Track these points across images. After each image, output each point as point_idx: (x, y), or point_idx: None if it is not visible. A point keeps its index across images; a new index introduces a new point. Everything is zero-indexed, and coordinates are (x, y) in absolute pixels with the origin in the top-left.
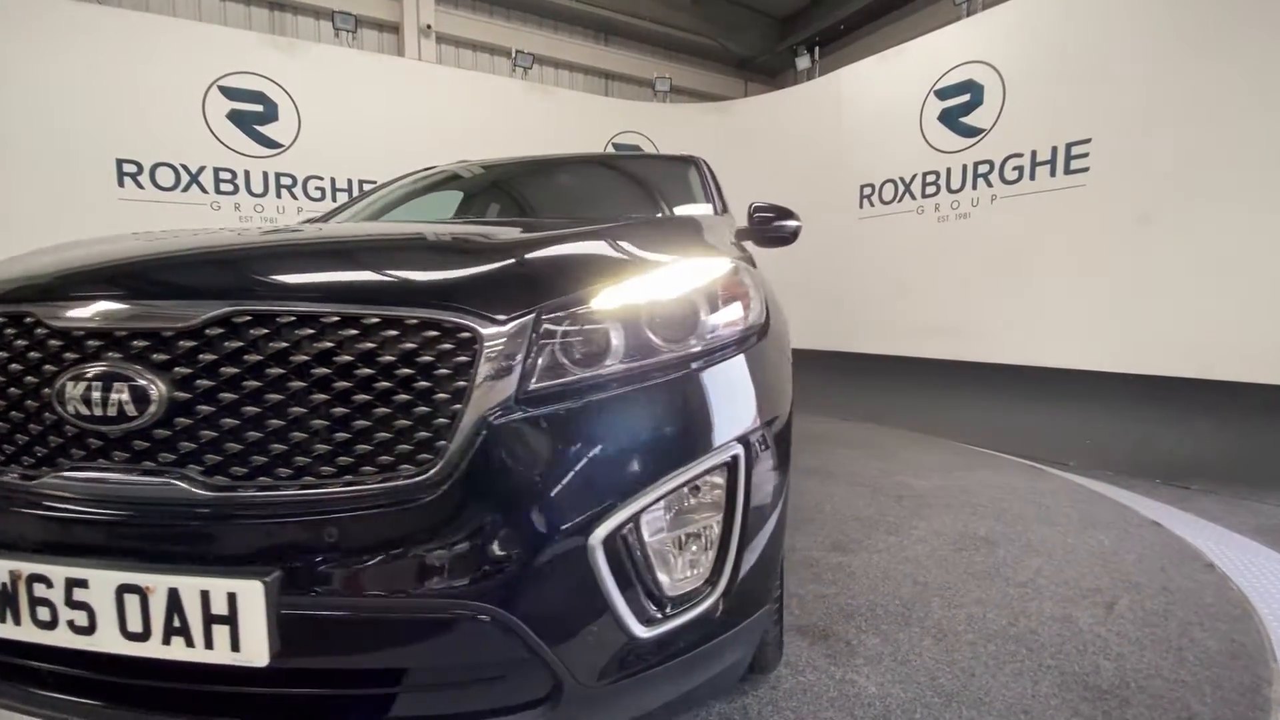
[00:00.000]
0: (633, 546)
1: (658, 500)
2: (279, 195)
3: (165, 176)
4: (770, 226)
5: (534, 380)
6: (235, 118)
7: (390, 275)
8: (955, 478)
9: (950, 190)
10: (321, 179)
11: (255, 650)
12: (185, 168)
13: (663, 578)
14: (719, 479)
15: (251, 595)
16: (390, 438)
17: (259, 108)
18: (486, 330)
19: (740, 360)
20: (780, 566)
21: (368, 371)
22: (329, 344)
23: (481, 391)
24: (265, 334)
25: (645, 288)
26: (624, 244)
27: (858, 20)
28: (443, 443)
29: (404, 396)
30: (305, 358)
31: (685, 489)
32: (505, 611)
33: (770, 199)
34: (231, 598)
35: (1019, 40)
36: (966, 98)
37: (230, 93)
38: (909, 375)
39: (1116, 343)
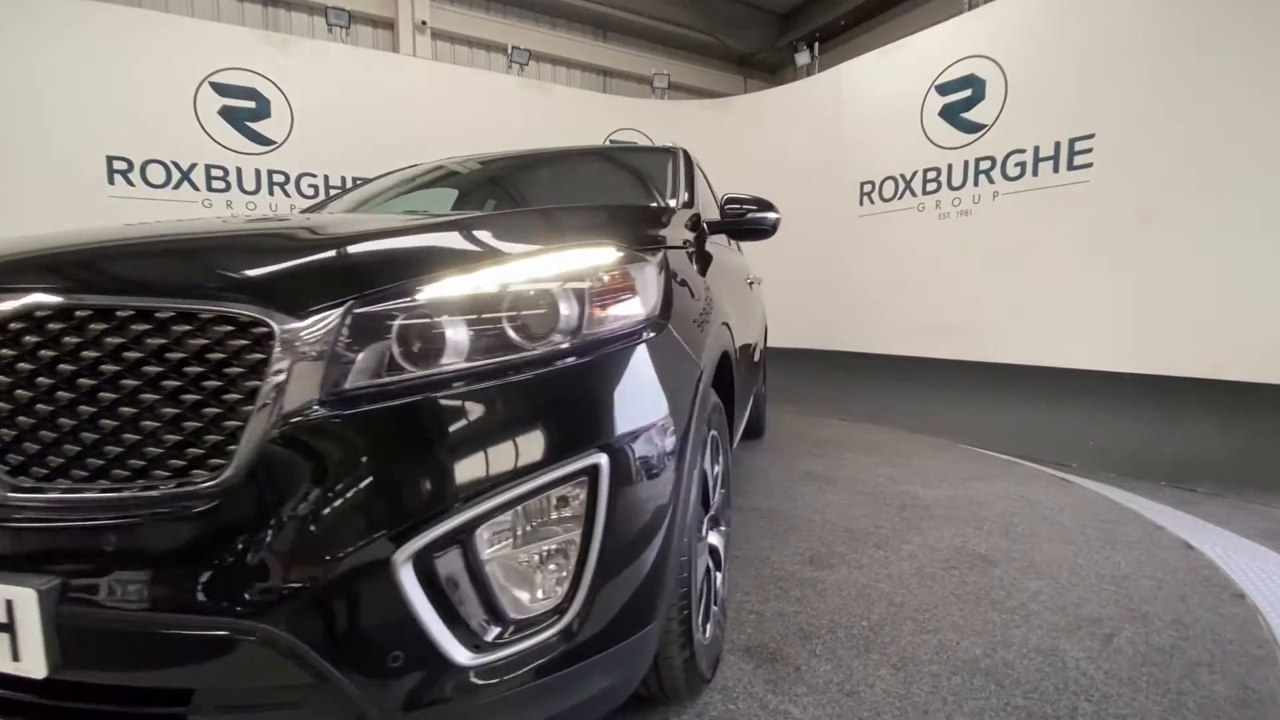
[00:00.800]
0: (457, 564)
1: (489, 515)
2: (271, 192)
3: (156, 174)
4: (744, 219)
5: (344, 380)
6: (227, 114)
7: (192, 269)
8: (968, 488)
9: (951, 187)
10: (315, 176)
11: (33, 661)
12: (176, 165)
13: (501, 599)
14: (575, 492)
15: (27, 603)
16: (182, 440)
17: (251, 104)
18: (284, 325)
19: (617, 360)
20: (688, 586)
21: (161, 369)
22: (124, 339)
23: (276, 392)
24: (64, 329)
25: (494, 278)
26: (486, 233)
27: (858, 16)
28: (233, 446)
29: (196, 395)
30: (100, 354)
31: (529, 503)
32: (287, 633)
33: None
34: (9, 605)
35: (1021, 34)
36: (968, 93)
37: (222, 89)
38: (910, 375)
39: (1120, 342)
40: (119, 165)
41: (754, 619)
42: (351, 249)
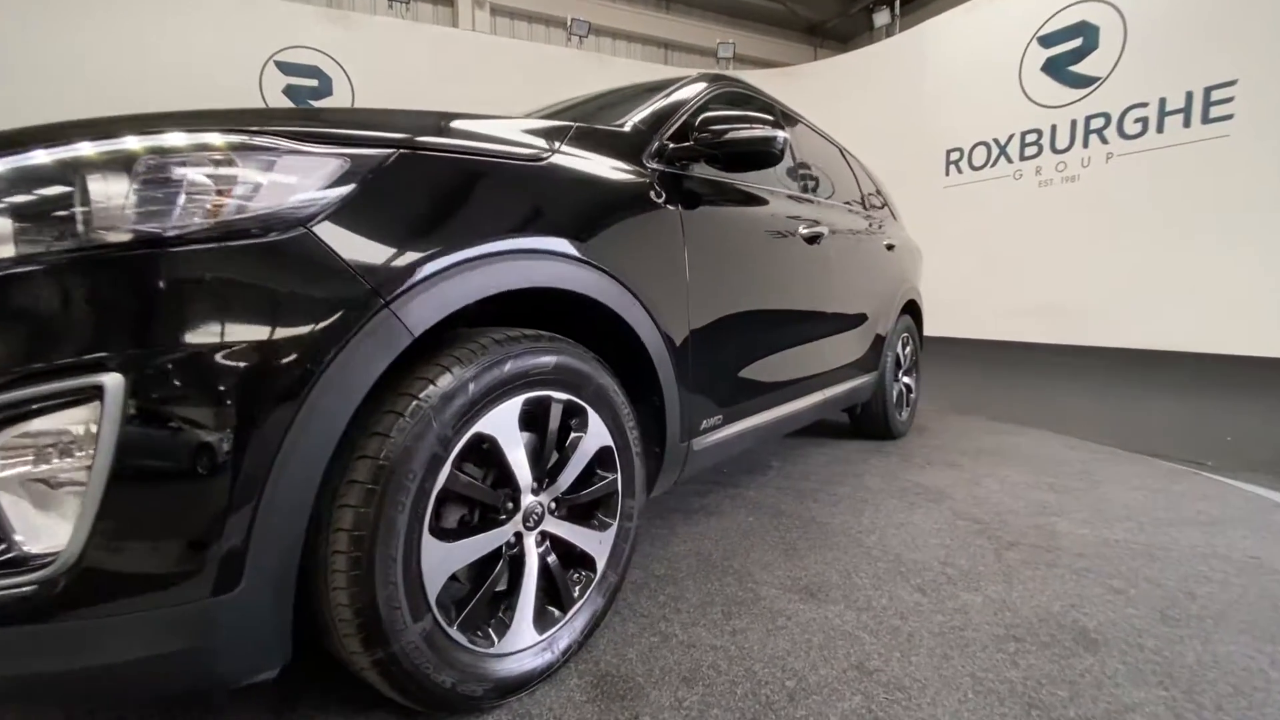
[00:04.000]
0: None
1: None
2: None
3: None
4: (722, 141)
5: None
6: (290, 93)
7: None
8: (1165, 534)
9: (1055, 150)
10: None
11: None
12: None
13: None
14: (74, 420)
15: None
16: None
17: (314, 82)
18: None
19: (169, 263)
20: (365, 570)
21: None
22: None
23: None
24: None
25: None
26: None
27: None
28: None
29: None
30: None
31: (10, 428)
32: None
33: None
34: None
35: None
36: (1077, 43)
37: (286, 68)
38: (1003, 361)
39: (1266, 322)
40: None
41: (653, 641)
42: None
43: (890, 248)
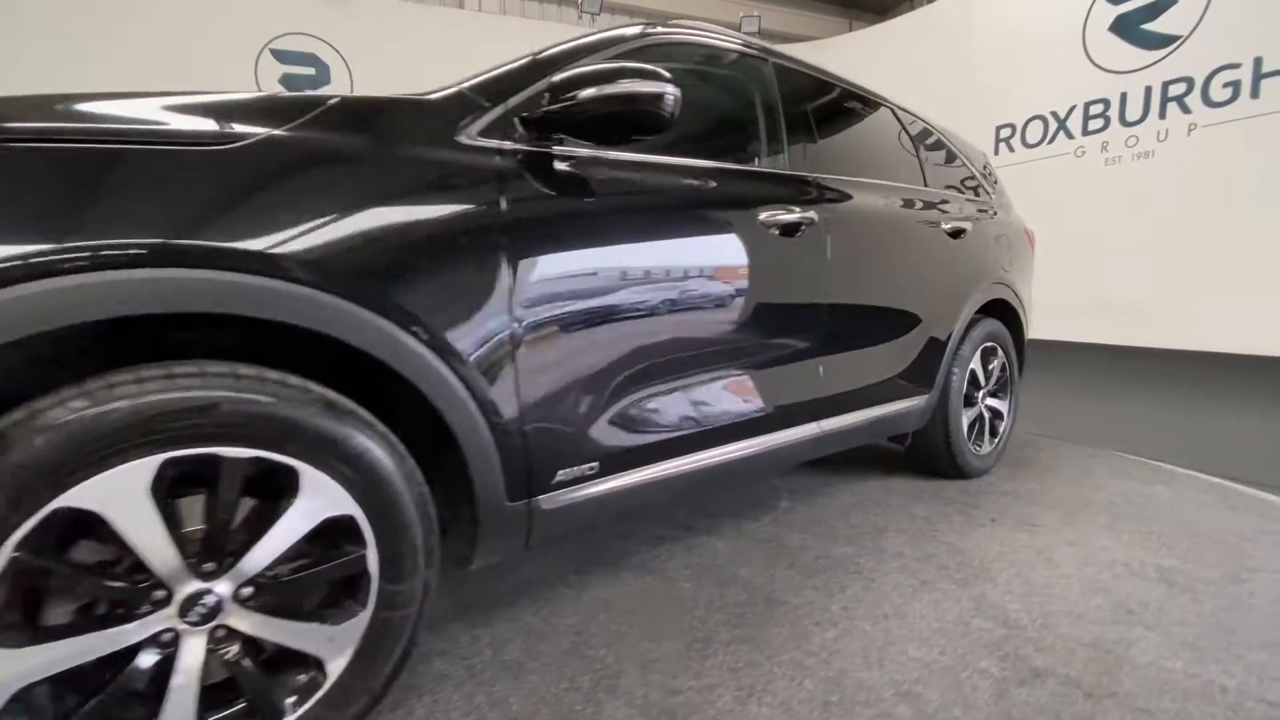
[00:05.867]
0: None
1: None
2: None
3: None
4: (580, 104)
5: None
6: (288, 82)
7: None
8: None
9: (1125, 122)
10: None
11: None
12: None
13: None
14: None
15: None
16: None
17: (311, 70)
18: None
19: None
20: None
21: None
22: None
23: None
24: None
25: None
26: None
27: None
28: None
29: None
30: None
31: None
32: None
33: None
34: None
35: None
36: None
37: (282, 56)
38: (1065, 366)
39: None
40: None
41: None
42: None
43: (957, 234)
